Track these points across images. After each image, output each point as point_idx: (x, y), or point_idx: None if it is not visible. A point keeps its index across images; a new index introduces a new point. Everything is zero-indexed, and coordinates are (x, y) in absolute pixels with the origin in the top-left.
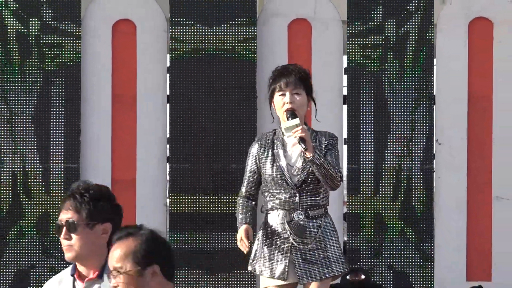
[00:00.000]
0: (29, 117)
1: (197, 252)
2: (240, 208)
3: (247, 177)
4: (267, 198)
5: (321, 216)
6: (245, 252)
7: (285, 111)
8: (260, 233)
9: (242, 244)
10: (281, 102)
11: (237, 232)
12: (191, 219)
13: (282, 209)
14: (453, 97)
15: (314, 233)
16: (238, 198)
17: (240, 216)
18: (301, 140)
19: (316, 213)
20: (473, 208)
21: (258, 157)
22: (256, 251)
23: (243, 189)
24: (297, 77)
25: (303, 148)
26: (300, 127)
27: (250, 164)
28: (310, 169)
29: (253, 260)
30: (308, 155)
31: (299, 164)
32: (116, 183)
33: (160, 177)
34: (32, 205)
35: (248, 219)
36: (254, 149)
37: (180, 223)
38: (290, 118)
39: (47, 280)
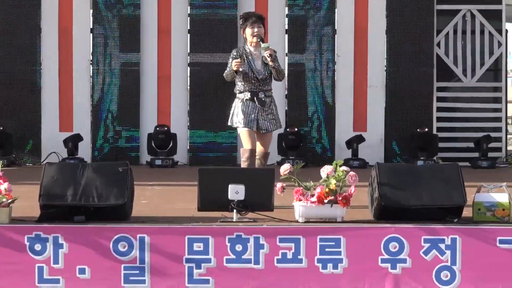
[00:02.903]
0: (137, 68)
1: (205, 115)
2: (226, 70)
3: (229, 66)
4: (240, 84)
5: (271, 96)
6: (236, 64)
7: (255, 35)
8: (235, 103)
9: (235, 62)
10: (251, 31)
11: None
12: (201, 95)
13: (251, 91)
14: (345, 30)
15: (268, 104)
16: (224, 72)
17: (228, 68)
18: (270, 55)
19: (269, 94)
20: (357, 92)
21: (237, 57)
22: (232, 113)
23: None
24: (259, 18)
25: (272, 59)
26: (270, 48)
27: (232, 59)
28: (268, 71)
29: (231, 118)
30: (271, 64)
31: (261, 68)
32: (159, 78)
33: (183, 75)
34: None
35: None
36: (234, 52)
37: (195, 98)
38: (260, 40)
39: None
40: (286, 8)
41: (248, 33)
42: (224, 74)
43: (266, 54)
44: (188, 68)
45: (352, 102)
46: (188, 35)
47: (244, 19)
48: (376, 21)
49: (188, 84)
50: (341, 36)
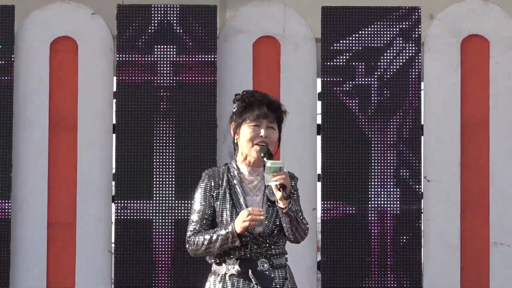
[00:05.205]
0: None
1: None
2: (205, 233)
3: (198, 217)
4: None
5: (285, 266)
6: (262, 217)
7: (259, 144)
8: (209, 284)
9: (255, 213)
10: (253, 133)
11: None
12: (137, 261)
13: (241, 258)
14: (444, 126)
15: (280, 284)
16: (191, 238)
17: (217, 230)
18: (282, 187)
19: (279, 262)
20: (467, 255)
21: (213, 197)
22: None
23: (195, 227)
24: (273, 109)
25: (284, 196)
26: (284, 172)
27: (203, 203)
28: (278, 222)
29: None
30: (283, 205)
31: (262, 210)
32: (51, 225)
33: (104, 218)
34: None
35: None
36: (206, 187)
37: (126, 268)
38: (264, 157)
39: None
40: (319, 81)
41: (245, 137)
42: (192, 242)
43: (274, 183)
44: (113, 207)
45: (459, 273)
46: (114, 142)
47: (244, 105)
48: (501, 115)
49: (113, 241)
50: (434, 141)
